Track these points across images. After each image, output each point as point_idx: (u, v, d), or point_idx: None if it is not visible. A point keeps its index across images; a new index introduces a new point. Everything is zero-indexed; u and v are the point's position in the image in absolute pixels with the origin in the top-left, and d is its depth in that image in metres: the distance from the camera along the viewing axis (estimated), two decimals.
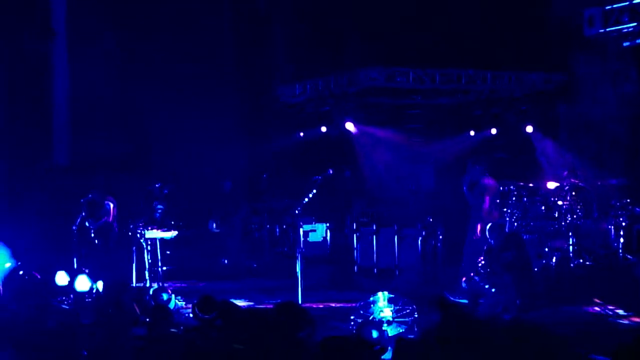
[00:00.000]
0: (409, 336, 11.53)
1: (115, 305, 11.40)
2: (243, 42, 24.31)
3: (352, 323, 12.58)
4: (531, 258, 15.91)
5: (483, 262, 15.45)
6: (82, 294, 14.31)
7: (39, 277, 14.73)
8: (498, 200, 17.96)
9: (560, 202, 17.99)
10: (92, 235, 17.88)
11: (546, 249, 17.54)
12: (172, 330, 9.73)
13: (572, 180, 18.05)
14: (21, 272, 14.90)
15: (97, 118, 22.17)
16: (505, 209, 18.35)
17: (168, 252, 17.68)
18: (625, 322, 13.56)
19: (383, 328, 11.26)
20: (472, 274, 15.32)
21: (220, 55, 23.80)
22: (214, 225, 22.67)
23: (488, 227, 15.62)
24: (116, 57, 22.44)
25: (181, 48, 22.76)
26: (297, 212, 15.87)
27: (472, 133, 22.26)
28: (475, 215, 16.72)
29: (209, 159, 22.72)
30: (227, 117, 23.60)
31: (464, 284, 15.44)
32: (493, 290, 14.60)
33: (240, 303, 15.03)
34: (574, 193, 17.88)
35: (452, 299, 15.41)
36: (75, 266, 16.90)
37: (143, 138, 23.00)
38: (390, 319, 12.75)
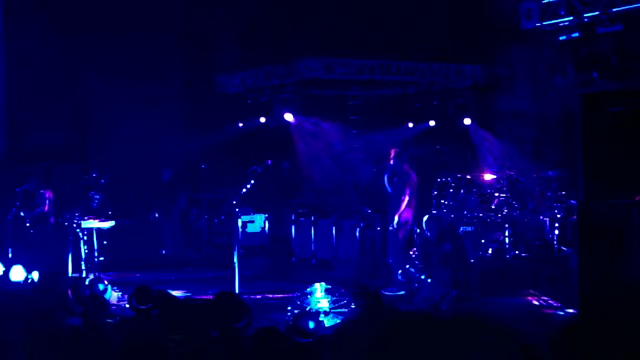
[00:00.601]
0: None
1: (50, 296, 11.29)
2: (184, 31, 24.19)
3: (289, 314, 12.61)
4: (467, 249, 16.02)
5: (417, 252, 15.54)
6: (17, 283, 14.16)
7: None
8: (435, 195, 18.09)
9: (496, 194, 18.15)
10: (28, 224, 17.74)
11: (482, 241, 17.68)
12: (108, 320, 9.67)
13: (508, 172, 18.23)
14: None
15: (34, 108, 21.93)
16: (442, 201, 18.48)
17: (105, 242, 17.57)
18: (560, 312, 13.71)
19: (320, 319, 11.30)
20: (407, 266, 15.41)
21: (160, 45, 23.64)
22: (155, 215, 22.62)
23: (425, 218, 15.71)
24: (55, 47, 22.20)
25: (121, 37, 22.57)
26: (235, 202, 15.83)
27: (410, 125, 22.36)
28: (393, 206, 16.69)
29: (148, 148, 22.57)
30: (167, 107, 23.47)
31: (399, 276, 15.53)
32: (429, 280, 14.70)
33: (177, 293, 15.00)
34: (510, 185, 18.05)
35: (384, 291, 15.53)
36: (10, 256, 16.74)
37: (80, 128, 22.82)
38: (327, 310, 12.79)
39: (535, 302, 14.68)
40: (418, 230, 16.78)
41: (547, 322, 13.13)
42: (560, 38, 17.93)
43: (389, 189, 16.71)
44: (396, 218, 16.35)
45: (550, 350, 4.93)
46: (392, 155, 16.71)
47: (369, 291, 10.35)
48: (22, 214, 17.66)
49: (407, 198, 16.38)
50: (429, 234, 15.50)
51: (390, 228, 16.58)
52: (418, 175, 16.87)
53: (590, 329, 4.81)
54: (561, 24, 17.67)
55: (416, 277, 15.02)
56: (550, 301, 14.56)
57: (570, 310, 13.30)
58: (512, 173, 18.29)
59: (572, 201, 17.11)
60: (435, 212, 17.92)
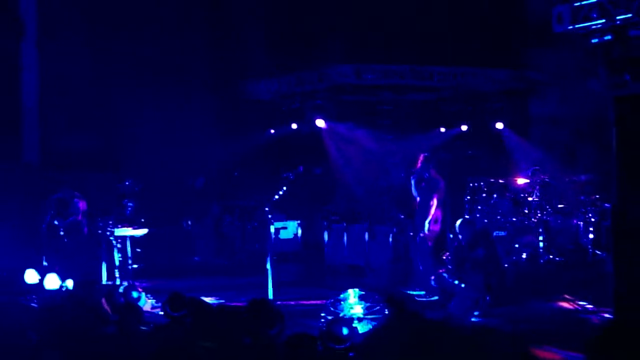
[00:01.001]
0: None
1: (84, 304, 11.34)
2: (215, 38, 24.24)
3: (322, 320, 12.59)
4: (500, 254, 15.94)
5: (450, 257, 15.48)
6: (51, 292, 14.23)
7: (4, 274, 14.65)
8: (468, 200, 18.02)
9: (529, 198, 18.06)
10: (62, 233, 17.82)
11: (516, 245, 17.60)
12: (142, 328, 9.69)
13: (541, 176, 18.14)
14: None
15: (67, 115, 22.03)
16: (475, 205, 18.42)
17: (138, 250, 17.61)
18: (595, 317, 13.61)
19: (353, 325, 11.26)
20: (440, 271, 15.35)
21: (192, 52, 23.72)
22: (189, 223, 22.72)
23: (458, 223, 15.66)
24: (87, 54, 22.30)
25: (153, 45, 22.66)
26: (267, 209, 15.81)
27: (442, 129, 22.29)
28: (422, 211, 16.59)
29: (180, 156, 22.65)
30: (199, 114, 23.52)
31: (432, 282, 15.47)
32: (463, 285, 14.64)
33: (211, 300, 15.00)
34: (543, 189, 17.96)
35: (414, 295, 15.48)
36: (44, 264, 16.82)
37: (114, 135, 22.89)
38: (361, 316, 12.76)
39: (570, 307, 14.58)
40: (451, 235, 16.72)
41: (582, 326, 13.05)
42: (593, 41, 17.82)
43: (416, 195, 16.67)
44: (426, 224, 16.30)
45: (587, 355, 4.91)
46: (420, 160, 16.67)
47: (398, 298, 10.32)
48: (55, 222, 17.73)
49: (435, 203, 16.32)
50: (461, 237, 15.45)
51: (422, 234, 16.52)
52: (450, 179, 16.83)
53: (626, 334, 4.78)
54: (593, 27, 17.55)
55: (449, 283, 14.95)
56: (585, 305, 14.46)
57: (606, 315, 13.20)
58: (546, 177, 18.20)
59: (606, 205, 17.00)
60: (468, 216, 17.85)
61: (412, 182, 16.79)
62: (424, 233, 16.46)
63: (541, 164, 18.84)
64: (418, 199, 16.85)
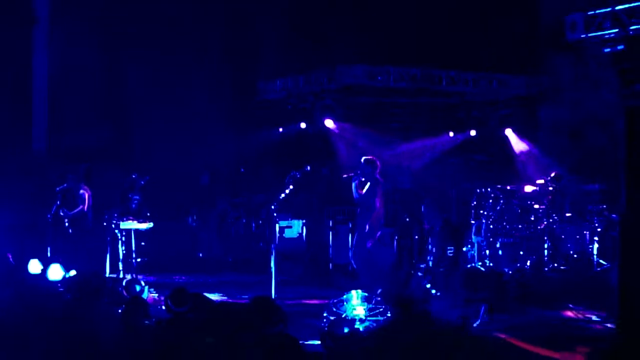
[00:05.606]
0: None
1: (86, 295, 11.31)
2: (227, 36, 24.25)
3: (324, 320, 12.57)
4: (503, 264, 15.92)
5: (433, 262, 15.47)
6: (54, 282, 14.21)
7: (12, 262, 14.62)
8: (475, 206, 18.03)
9: (536, 206, 18.01)
10: (67, 224, 17.83)
11: (521, 253, 17.56)
12: (145, 322, 9.67)
13: (549, 184, 18.08)
14: None
15: (77, 107, 22.07)
16: (482, 211, 18.37)
17: (143, 244, 17.61)
18: (598, 327, 13.56)
19: (355, 326, 11.23)
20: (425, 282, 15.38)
21: (204, 49, 23.74)
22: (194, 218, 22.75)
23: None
24: (98, 46, 22.34)
25: (165, 41, 22.70)
26: (273, 207, 15.78)
27: (451, 134, 22.25)
28: (364, 214, 16.38)
29: (188, 151, 22.67)
30: (208, 111, 23.55)
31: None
32: (438, 293, 14.64)
33: (214, 297, 15.00)
34: (550, 197, 17.91)
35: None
36: (48, 255, 16.82)
37: (122, 128, 22.95)
38: (363, 317, 12.74)
39: (573, 316, 14.53)
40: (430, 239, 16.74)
41: (586, 336, 13.00)
42: (605, 50, 17.79)
43: (356, 196, 16.45)
44: (366, 227, 16.10)
45: None
46: (362, 163, 16.46)
47: (406, 300, 10.29)
48: (61, 213, 17.75)
49: (378, 206, 16.10)
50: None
51: (379, 234, 16.27)
52: (457, 185, 16.72)
53: (631, 349, 4.74)
54: (606, 36, 17.53)
55: (428, 290, 15.00)
56: (587, 315, 14.40)
57: (609, 325, 13.15)
58: (554, 185, 18.14)
59: (613, 215, 16.94)
60: (474, 222, 17.85)
61: (354, 184, 16.54)
62: (380, 233, 16.27)
63: (550, 172, 18.79)
64: (358, 199, 16.58)
